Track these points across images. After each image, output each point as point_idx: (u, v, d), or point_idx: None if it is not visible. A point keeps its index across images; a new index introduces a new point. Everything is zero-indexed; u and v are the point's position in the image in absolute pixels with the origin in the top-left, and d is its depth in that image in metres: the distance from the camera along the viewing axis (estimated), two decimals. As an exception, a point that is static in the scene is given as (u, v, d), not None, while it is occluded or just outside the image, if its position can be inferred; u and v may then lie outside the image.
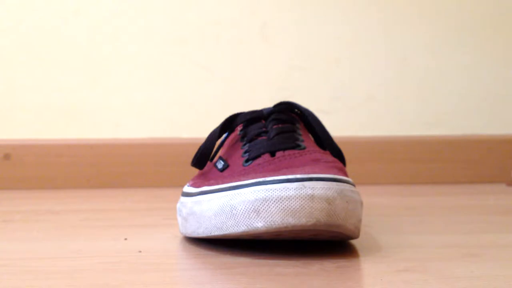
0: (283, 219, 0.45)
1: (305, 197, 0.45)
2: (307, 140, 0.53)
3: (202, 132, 0.62)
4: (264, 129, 0.53)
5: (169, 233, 0.56)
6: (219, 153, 0.56)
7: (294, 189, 0.45)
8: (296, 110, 0.56)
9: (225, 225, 0.47)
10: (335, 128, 0.72)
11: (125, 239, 0.55)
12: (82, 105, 0.87)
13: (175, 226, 0.56)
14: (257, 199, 0.45)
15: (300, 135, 0.53)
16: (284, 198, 0.45)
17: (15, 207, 0.72)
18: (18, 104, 0.86)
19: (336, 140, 0.56)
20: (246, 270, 0.45)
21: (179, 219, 0.53)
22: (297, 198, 0.45)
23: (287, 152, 0.50)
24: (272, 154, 0.50)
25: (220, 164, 0.53)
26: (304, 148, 0.51)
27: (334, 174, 0.47)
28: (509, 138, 0.91)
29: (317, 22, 0.89)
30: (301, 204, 0.45)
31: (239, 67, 0.89)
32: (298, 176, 0.45)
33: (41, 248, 0.52)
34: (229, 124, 0.56)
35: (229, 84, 0.89)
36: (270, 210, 0.45)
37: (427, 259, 0.48)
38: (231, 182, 0.48)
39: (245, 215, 0.46)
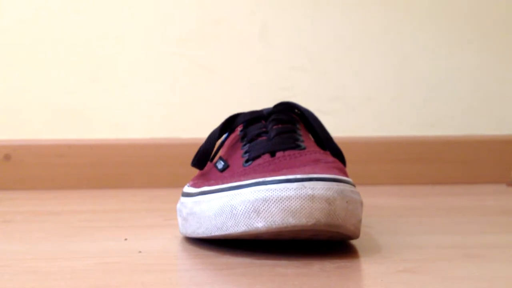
0: (283, 219, 0.45)
1: (305, 197, 0.45)
2: (307, 140, 0.53)
3: (202, 132, 0.62)
4: (264, 129, 0.53)
5: (169, 234, 0.56)
6: (219, 153, 0.56)
7: (294, 189, 0.45)
8: (296, 110, 0.56)
9: (225, 225, 0.47)
10: (335, 128, 0.72)
11: (125, 239, 0.55)
12: (82, 105, 0.87)
13: (175, 226, 0.56)
14: (257, 199, 0.45)
15: (300, 135, 0.53)
16: (284, 198, 0.45)
17: (15, 208, 0.72)
18: (18, 104, 0.86)
19: (336, 140, 0.56)
20: (246, 270, 0.45)
21: (179, 219, 0.53)
22: (297, 198, 0.45)
23: (287, 152, 0.50)
24: (272, 154, 0.50)
25: (220, 164, 0.53)
26: (304, 148, 0.51)
27: (334, 174, 0.47)
28: (509, 138, 0.91)
29: (317, 22, 0.89)
30: (301, 204, 0.45)
31: (239, 67, 0.89)
32: (298, 176, 0.45)
33: (41, 248, 0.52)
34: (229, 124, 0.56)
35: (229, 84, 0.89)
36: (270, 210, 0.45)
37: (427, 260, 0.48)
38: (231, 182, 0.48)
39: (245, 215, 0.46)
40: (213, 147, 0.55)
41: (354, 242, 0.52)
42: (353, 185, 0.48)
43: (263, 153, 0.51)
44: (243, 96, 0.88)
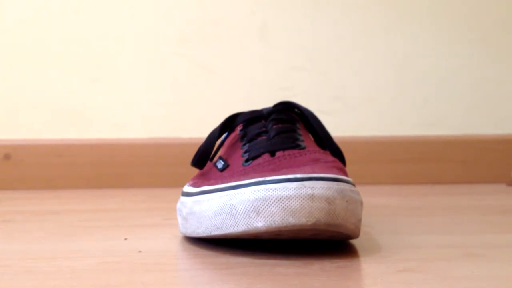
0: (283, 219, 0.45)
1: (305, 197, 0.45)
2: (307, 140, 0.53)
3: (202, 132, 0.62)
4: (264, 129, 0.53)
5: (169, 233, 0.56)
6: (219, 153, 0.56)
7: (294, 189, 0.45)
8: (296, 110, 0.56)
9: (225, 225, 0.47)
10: (335, 128, 0.72)
11: (125, 239, 0.55)
12: (82, 105, 0.87)
13: (175, 226, 0.56)
14: (257, 199, 0.45)
15: (300, 135, 0.53)
16: (284, 198, 0.45)
17: (15, 207, 0.72)
18: (18, 104, 0.86)
19: (336, 140, 0.56)
20: (246, 270, 0.45)
21: (179, 219, 0.53)
22: (297, 197, 0.45)
23: (287, 152, 0.50)
24: (272, 154, 0.50)
25: (220, 164, 0.53)
26: (304, 148, 0.51)
27: (334, 174, 0.47)
28: (509, 138, 0.91)
29: (317, 22, 0.89)
30: (301, 204, 0.45)
31: (239, 67, 0.89)
32: (298, 175, 0.45)
33: (41, 248, 0.52)
34: (229, 124, 0.56)
35: (229, 84, 0.89)
36: (270, 210, 0.45)
37: (427, 259, 0.48)
38: (231, 181, 0.48)
39: (245, 215, 0.46)
40: (213, 146, 0.55)
41: (354, 241, 0.52)
42: (353, 184, 0.48)
43: (263, 153, 0.51)
44: (243, 96, 0.88)
